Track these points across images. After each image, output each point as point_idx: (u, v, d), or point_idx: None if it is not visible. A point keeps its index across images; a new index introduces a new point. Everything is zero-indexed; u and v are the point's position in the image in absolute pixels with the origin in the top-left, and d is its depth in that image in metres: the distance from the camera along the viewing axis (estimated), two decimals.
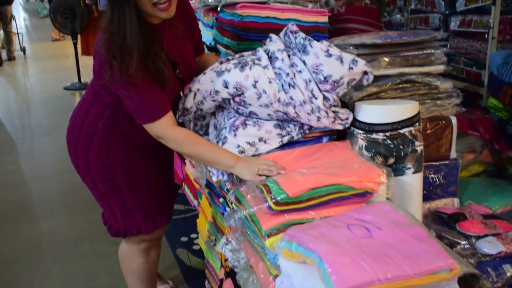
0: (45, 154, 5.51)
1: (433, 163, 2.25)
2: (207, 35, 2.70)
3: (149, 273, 2.58)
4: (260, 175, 1.80)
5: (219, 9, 2.41)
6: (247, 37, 2.29)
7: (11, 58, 11.03)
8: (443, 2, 3.04)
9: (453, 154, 2.30)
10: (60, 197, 4.46)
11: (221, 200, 2.43)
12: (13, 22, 10.82)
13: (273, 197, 1.59)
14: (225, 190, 2.18)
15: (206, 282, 2.91)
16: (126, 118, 2.11)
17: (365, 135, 1.95)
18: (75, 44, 8.31)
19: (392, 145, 1.93)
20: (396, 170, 1.97)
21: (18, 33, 11.41)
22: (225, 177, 1.81)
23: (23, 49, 11.55)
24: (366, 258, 1.34)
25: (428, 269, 1.35)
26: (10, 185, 4.78)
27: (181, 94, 2.20)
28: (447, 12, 3.04)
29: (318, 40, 2.36)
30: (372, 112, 1.94)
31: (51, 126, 6.39)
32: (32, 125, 6.61)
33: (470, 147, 2.64)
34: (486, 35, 2.81)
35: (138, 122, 2.02)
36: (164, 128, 2.00)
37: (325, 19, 2.35)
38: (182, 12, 2.18)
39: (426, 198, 2.25)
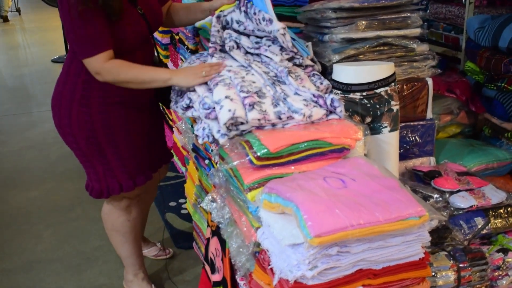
0: (34, 124, 5.56)
1: (410, 123, 2.34)
2: (192, 0, 2.75)
3: (132, 231, 2.68)
4: (207, 76, 1.96)
5: None
6: None
7: (3, 17, 11.71)
8: None
9: (429, 114, 2.38)
10: (50, 166, 4.53)
11: (206, 161, 2.51)
12: None
13: (254, 152, 1.66)
14: (210, 151, 2.26)
15: (194, 243, 3.01)
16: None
17: (342, 95, 2.02)
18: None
19: (368, 105, 2.01)
20: (373, 129, 2.05)
21: None
22: (210, 138, 1.88)
23: (18, 10, 12.28)
24: (341, 206, 1.43)
25: (398, 216, 1.43)
26: None
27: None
28: None
29: (300, 6, 2.44)
30: (349, 73, 2.02)
31: (38, 98, 6.43)
32: (21, 96, 6.63)
33: (447, 109, 2.72)
34: (463, 1, 2.88)
35: (79, 57, 2.13)
36: (101, 63, 2.10)
37: None
38: None
39: (403, 157, 2.34)
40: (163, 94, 2.42)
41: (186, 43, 2.94)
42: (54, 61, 8.26)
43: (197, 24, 2.20)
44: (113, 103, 2.31)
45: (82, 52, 2.12)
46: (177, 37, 3.26)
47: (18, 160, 4.69)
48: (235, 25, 2.15)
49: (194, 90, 2.00)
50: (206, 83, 1.97)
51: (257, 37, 2.08)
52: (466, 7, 2.82)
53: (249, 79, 1.90)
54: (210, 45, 2.15)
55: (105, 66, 2.11)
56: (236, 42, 2.07)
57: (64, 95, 2.33)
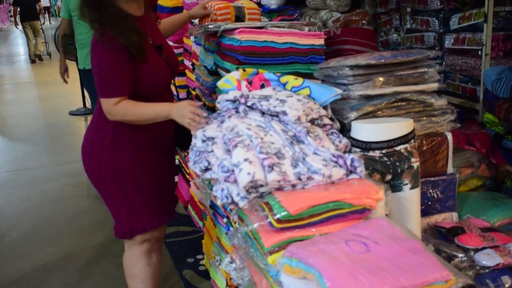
0: (52, 178, 5.58)
1: (431, 179, 2.31)
2: (208, 60, 2.77)
3: (152, 279, 2.71)
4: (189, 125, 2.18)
5: (218, 34, 2.49)
6: (246, 60, 2.36)
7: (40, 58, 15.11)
8: (437, 21, 3.11)
9: (450, 169, 2.35)
10: (68, 221, 4.50)
11: (224, 220, 2.49)
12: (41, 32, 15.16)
13: (274, 214, 1.64)
14: (228, 210, 2.24)
15: None
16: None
17: (362, 153, 2.01)
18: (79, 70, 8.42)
19: (388, 162, 1.99)
20: (394, 186, 2.02)
21: (45, 42, 15.72)
22: (229, 199, 1.86)
23: (49, 54, 15.55)
24: (363, 271, 1.39)
25: (424, 281, 1.40)
26: (18, 209, 4.85)
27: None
28: (441, 30, 3.11)
29: (315, 62, 2.45)
30: (368, 131, 2.01)
31: (56, 151, 6.47)
32: (39, 150, 6.68)
33: (468, 161, 2.69)
34: (479, 52, 2.88)
35: (99, 95, 2.38)
36: (113, 105, 2.33)
37: (321, 41, 2.42)
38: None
39: (425, 213, 2.30)
40: (181, 140, 2.64)
41: (203, 99, 2.95)
42: (71, 113, 8.34)
43: (218, 84, 2.21)
44: (140, 147, 2.50)
45: (101, 92, 2.36)
46: (194, 93, 3.29)
47: (37, 216, 4.68)
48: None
49: (212, 151, 1.99)
50: (225, 143, 1.97)
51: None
52: (482, 59, 2.82)
53: (268, 140, 1.89)
54: (226, 107, 2.15)
55: (116, 107, 2.34)
56: (252, 107, 2.07)
57: (95, 141, 2.52)
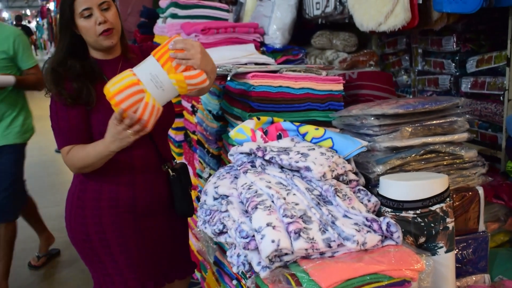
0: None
1: (461, 238, 2.10)
2: (213, 104, 2.58)
3: None
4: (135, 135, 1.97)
5: (229, 78, 2.29)
6: (259, 107, 2.17)
7: None
8: (453, 64, 2.95)
9: (482, 226, 2.16)
10: (52, 270, 4.24)
11: (234, 282, 2.26)
12: None
13: None
14: (240, 273, 2.01)
15: None
16: (95, 173, 2.17)
17: (393, 213, 1.80)
18: None
19: (423, 223, 1.79)
20: (427, 249, 1.82)
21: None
22: (246, 267, 1.65)
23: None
24: None
25: None
26: None
27: None
28: (457, 73, 2.95)
29: (334, 109, 2.26)
30: (400, 189, 1.80)
31: (42, 192, 6.20)
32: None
33: (494, 216, 2.49)
34: (501, 97, 2.72)
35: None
36: (65, 155, 2.16)
37: (340, 87, 2.24)
38: (145, 55, 2.19)
39: (456, 275, 2.09)
40: (182, 206, 2.36)
41: (206, 146, 2.74)
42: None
43: (231, 135, 2.01)
44: (105, 206, 2.22)
45: (57, 144, 2.19)
46: (194, 137, 3.08)
47: (18, 262, 4.41)
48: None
49: (226, 211, 1.78)
50: (241, 203, 1.75)
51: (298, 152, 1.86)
52: (505, 104, 2.65)
53: (292, 200, 1.68)
54: (240, 161, 1.94)
55: (67, 157, 2.16)
56: (270, 161, 1.86)
57: (68, 195, 2.30)
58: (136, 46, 2.42)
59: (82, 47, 2.22)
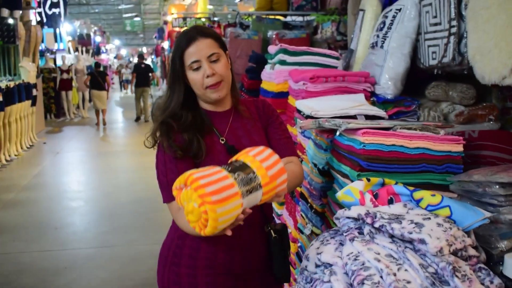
0: (135, 260, 5.34)
1: None
2: (319, 157, 2.45)
3: None
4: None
5: (338, 134, 2.16)
6: (369, 167, 2.01)
7: (146, 120, 16.85)
8: None
9: None
10: None
11: None
12: (149, 98, 17.60)
13: None
14: None
15: None
16: None
17: None
18: None
19: None
20: None
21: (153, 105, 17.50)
22: None
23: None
24: None
25: None
26: None
27: None
28: None
29: (452, 172, 2.06)
30: None
31: (144, 228, 6.27)
32: (125, 227, 6.52)
33: None
34: None
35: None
36: (176, 211, 2.04)
37: (459, 148, 2.05)
38: (260, 112, 2.26)
39: None
40: (280, 270, 2.17)
41: (309, 200, 2.61)
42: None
43: (338, 196, 1.87)
44: (201, 266, 2.09)
45: (163, 197, 2.10)
46: (298, 189, 2.95)
47: None
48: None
49: (329, 282, 1.63)
50: (346, 274, 1.60)
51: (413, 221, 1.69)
52: None
53: (403, 276, 1.50)
54: (346, 226, 1.78)
55: (178, 215, 2.03)
56: (380, 229, 1.69)
57: (163, 249, 2.21)
58: (250, 100, 2.34)
59: (192, 98, 2.17)
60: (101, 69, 18.40)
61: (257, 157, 1.73)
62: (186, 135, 2.07)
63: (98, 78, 16.32)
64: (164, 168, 2.08)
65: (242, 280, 2.13)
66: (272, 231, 2.16)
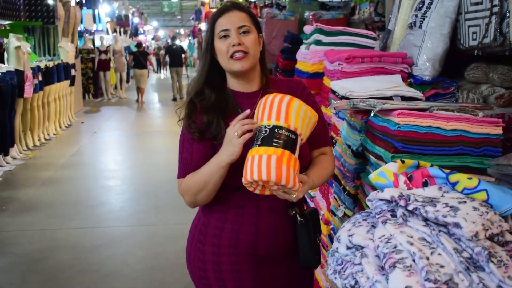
0: (170, 239, 5.40)
1: None
2: (353, 139, 2.41)
3: None
4: (241, 137, 1.90)
5: (373, 114, 2.11)
6: (404, 148, 1.97)
7: (181, 97, 17.61)
8: None
9: None
10: None
11: None
12: (184, 78, 18.74)
13: None
14: None
15: None
16: (219, 210, 2.12)
17: None
18: None
19: None
20: None
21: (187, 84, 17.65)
22: None
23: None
24: None
25: None
26: (133, 271, 4.67)
27: None
28: None
29: (490, 155, 2.01)
30: None
31: (179, 208, 6.30)
32: (160, 206, 6.57)
33: None
34: None
35: None
36: (183, 189, 2.11)
37: (499, 130, 1.98)
38: (299, 93, 2.20)
39: None
40: (306, 257, 2.15)
41: (343, 182, 2.57)
42: None
43: (371, 178, 1.83)
44: (225, 245, 2.10)
45: (178, 172, 2.14)
46: None
47: (149, 281, 4.49)
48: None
49: (360, 264, 1.60)
50: (377, 257, 1.57)
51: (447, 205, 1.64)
52: None
53: (436, 261, 1.46)
54: (379, 208, 1.74)
55: (181, 187, 2.12)
56: (413, 212, 1.65)
57: (191, 227, 2.24)
58: (283, 80, 2.31)
59: (220, 76, 2.16)
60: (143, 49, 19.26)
61: None
62: (206, 117, 2.06)
63: (139, 57, 17.52)
64: (182, 147, 2.12)
65: (267, 262, 2.11)
66: (298, 215, 2.13)
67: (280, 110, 1.87)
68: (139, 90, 17.37)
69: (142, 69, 17.42)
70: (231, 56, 2.05)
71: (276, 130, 1.85)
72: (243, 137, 1.90)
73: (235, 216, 2.09)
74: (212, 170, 1.99)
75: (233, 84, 2.16)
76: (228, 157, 1.93)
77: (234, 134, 1.91)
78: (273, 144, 1.84)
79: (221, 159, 1.96)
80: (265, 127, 1.87)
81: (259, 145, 1.85)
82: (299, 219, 2.12)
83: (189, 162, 2.09)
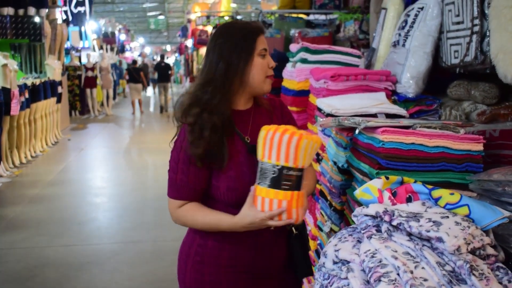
0: (158, 256, 5.39)
1: None
2: (339, 156, 2.46)
3: None
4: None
5: (357, 132, 2.16)
6: (388, 165, 2.02)
7: (166, 110, 19.44)
8: None
9: None
10: None
11: None
12: (170, 91, 20.45)
13: None
14: None
15: None
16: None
17: None
18: None
19: None
20: None
21: (172, 98, 19.91)
22: None
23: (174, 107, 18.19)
24: None
25: None
26: None
27: None
28: None
29: (471, 171, 2.06)
30: None
31: (166, 225, 6.32)
32: (148, 223, 6.59)
33: None
34: None
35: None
36: (175, 208, 2.10)
37: (479, 147, 2.04)
38: (281, 111, 2.27)
39: None
40: (299, 263, 2.20)
41: (329, 198, 2.62)
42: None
43: (356, 194, 1.88)
44: (223, 265, 2.11)
45: (168, 191, 2.12)
46: (317, 187, 2.96)
47: None
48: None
49: (346, 278, 1.64)
50: (363, 271, 1.61)
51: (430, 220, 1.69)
52: None
53: (420, 274, 1.51)
54: (364, 224, 1.79)
55: (177, 212, 2.10)
56: (397, 227, 1.70)
57: (183, 247, 2.21)
58: (266, 99, 2.31)
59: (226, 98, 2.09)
60: (137, 66, 21.65)
61: None
62: (212, 144, 2.01)
63: (133, 73, 19.51)
64: (176, 167, 2.07)
65: (262, 278, 2.15)
66: (293, 228, 2.18)
67: (289, 151, 1.84)
68: (134, 103, 19.44)
69: (136, 83, 19.37)
70: (267, 76, 2.10)
71: (285, 172, 1.86)
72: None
73: (234, 235, 2.08)
74: (221, 224, 2.02)
75: (239, 102, 2.14)
76: (244, 228, 1.97)
77: (265, 223, 1.91)
78: (282, 187, 1.87)
79: (236, 224, 1.98)
80: (274, 166, 1.86)
81: (268, 186, 1.88)
82: (294, 231, 2.18)
83: (184, 184, 2.05)
